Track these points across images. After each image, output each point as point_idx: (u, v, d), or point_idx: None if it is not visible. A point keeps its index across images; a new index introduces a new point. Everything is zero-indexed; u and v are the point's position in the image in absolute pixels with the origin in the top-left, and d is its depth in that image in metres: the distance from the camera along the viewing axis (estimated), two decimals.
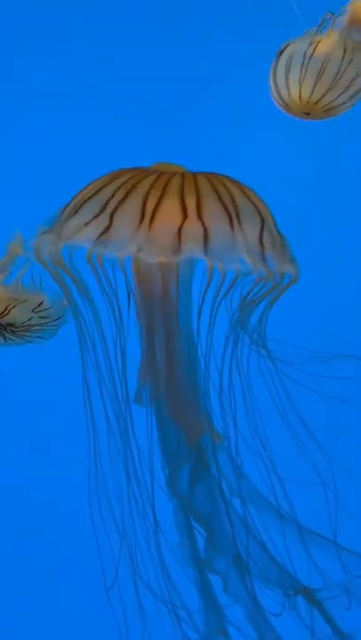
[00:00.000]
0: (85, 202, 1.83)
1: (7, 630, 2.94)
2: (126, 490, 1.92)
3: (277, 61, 2.03)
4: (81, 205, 1.83)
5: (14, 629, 2.94)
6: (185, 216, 1.76)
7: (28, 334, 2.08)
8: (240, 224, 1.80)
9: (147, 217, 1.76)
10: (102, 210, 1.79)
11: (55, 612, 2.93)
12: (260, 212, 1.86)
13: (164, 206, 1.76)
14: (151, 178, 1.82)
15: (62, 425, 2.51)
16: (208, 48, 2.69)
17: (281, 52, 2.03)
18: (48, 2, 2.84)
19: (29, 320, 2.05)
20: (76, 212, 1.83)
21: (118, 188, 1.80)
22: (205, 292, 1.80)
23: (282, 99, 2.04)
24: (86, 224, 1.80)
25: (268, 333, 1.93)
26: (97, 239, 1.77)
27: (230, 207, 1.81)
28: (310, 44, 1.99)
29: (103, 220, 1.78)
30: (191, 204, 1.77)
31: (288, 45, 2.02)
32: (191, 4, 2.74)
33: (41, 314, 2.04)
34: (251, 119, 2.37)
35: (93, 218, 1.79)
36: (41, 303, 2.03)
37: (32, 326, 2.06)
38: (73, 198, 1.88)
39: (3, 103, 2.85)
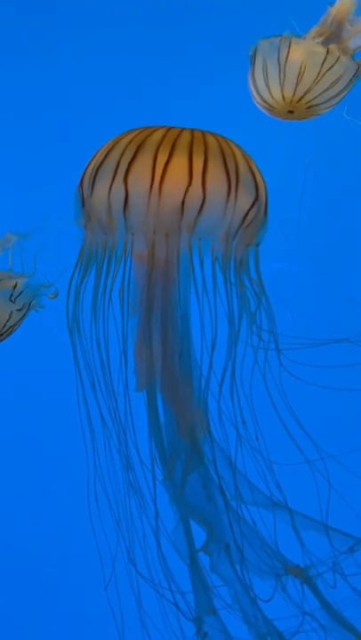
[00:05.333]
0: (98, 170, 1.87)
1: (6, 625, 2.94)
2: (123, 478, 1.96)
3: (253, 67, 2.07)
4: (95, 176, 1.88)
5: (13, 624, 2.94)
6: (190, 180, 1.81)
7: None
8: (236, 197, 1.85)
9: (156, 183, 1.81)
10: (115, 174, 1.84)
11: (54, 603, 2.93)
12: (257, 189, 1.91)
13: (171, 171, 1.82)
14: (160, 133, 1.86)
15: (60, 418, 2.52)
16: (201, 48, 2.72)
17: (253, 58, 2.07)
18: None
19: (9, 319, 2.06)
20: (93, 184, 1.87)
21: (128, 145, 1.85)
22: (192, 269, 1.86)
23: (265, 101, 2.09)
24: (107, 196, 1.84)
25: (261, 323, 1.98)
26: (125, 219, 1.83)
27: (233, 176, 1.86)
28: (283, 46, 2.02)
29: (119, 189, 1.83)
30: (198, 166, 1.82)
31: (257, 49, 2.06)
32: (182, 5, 2.75)
33: (17, 303, 2.05)
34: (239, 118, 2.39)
35: (110, 187, 1.84)
36: (15, 285, 2.04)
37: (13, 327, 2.08)
38: (85, 170, 1.92)
39: None
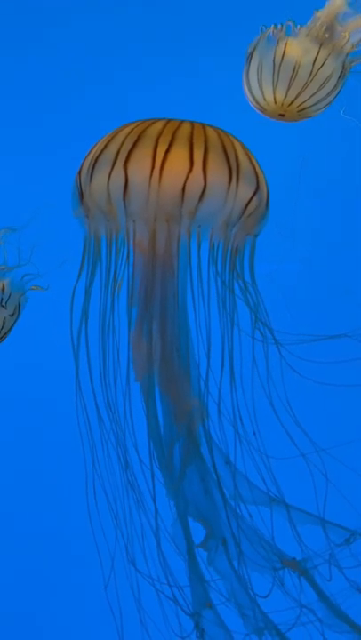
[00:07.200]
0: (97, 160, 1.88)
1: (5, 623, 2.95)
2: (121, 474, 1.97)
3: (248, 66, 2.09)
4: (94, 165, 1.88)
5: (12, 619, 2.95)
6: (191, 167, 1.83)
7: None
8: (237, 186, 1.87)
9: (156, 169, 1.82)
10: (115, 161, 1.85)
11: (53, 602, 2.94)
12: (258, 180, 1.93)
13: (171, 158, 1.83)
14: (160, 124, 1.89)
15: (57, 414, 2.54)
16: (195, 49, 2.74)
17: (250, 56, 2.09)
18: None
19: (3, 326, 2.06)
20: (92, 174, 1.89)
21: (128, 135, 1.87)
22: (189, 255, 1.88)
23: (257, 102, 2.11)
24: (107, 183, 1.85)
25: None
26: (125, 205, 1.84)
27: (233, 165, 1.88)
28: (278, 46, 2.04)
29: (119, 175, 1.84)
30: (199, 155, 1.84)
31: (255, 48, 2.08)
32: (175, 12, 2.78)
33: (9, 307, 2.05)
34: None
35: (109, 174, 1.85)
36: (3, 288, 2.05)
37: (7, 332, 2.10)
38: (84, 161, 1.93)
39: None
